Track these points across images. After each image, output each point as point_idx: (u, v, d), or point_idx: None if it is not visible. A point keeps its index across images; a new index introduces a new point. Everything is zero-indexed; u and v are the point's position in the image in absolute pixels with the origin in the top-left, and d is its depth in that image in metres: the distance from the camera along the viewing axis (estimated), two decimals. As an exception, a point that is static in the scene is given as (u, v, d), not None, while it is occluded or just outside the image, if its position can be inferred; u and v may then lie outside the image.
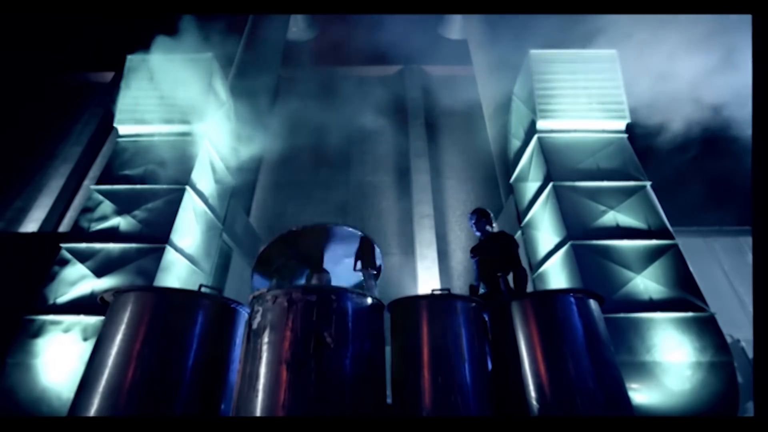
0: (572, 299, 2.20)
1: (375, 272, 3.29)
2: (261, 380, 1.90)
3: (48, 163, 11.20)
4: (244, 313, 2.43)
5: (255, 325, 2.12)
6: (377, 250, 3.15)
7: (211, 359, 2.23)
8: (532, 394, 2.06)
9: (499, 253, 3.20)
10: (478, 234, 3.41)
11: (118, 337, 2.05)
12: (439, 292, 2.30)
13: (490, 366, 2.29)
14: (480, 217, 3.42)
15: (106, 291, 2.25)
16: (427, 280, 8.62)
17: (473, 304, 2.32)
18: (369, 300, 2.24)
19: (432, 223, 9.60)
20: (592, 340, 2.10)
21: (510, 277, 3.08)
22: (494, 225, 3.51)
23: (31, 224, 9.80)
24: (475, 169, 10.71)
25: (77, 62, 12.91)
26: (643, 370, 4.14)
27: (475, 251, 3.36)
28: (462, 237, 9.69)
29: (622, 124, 5.72)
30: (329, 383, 1.86)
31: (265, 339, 2.01)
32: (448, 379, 2.02)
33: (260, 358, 1.97)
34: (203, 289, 2.39)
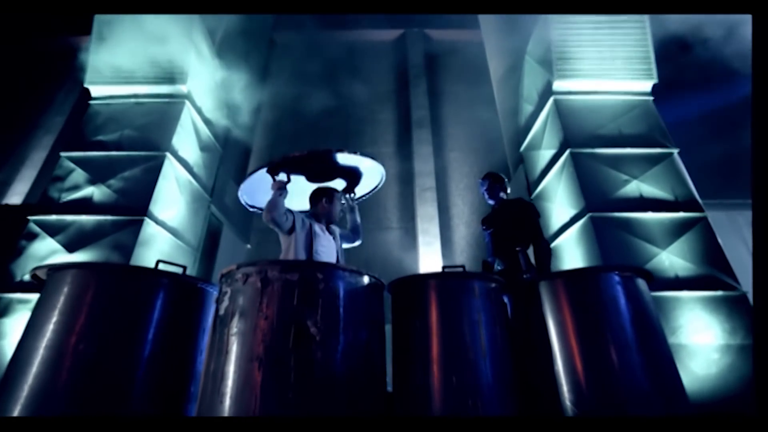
0: (617, 278, 1.78)
1: (358, 197, 2.87)
2: (228, 382, 1.49)
3: (30, 134, 10.63)
4: (215, 294, 2.00)
5: (222, 311, 1.69)
6: (363, 162, 2.56)
7: (172, 352, 1.83)
8: (567, 395, 1.67)
9: (516, 223, 2.74)
10: (491, 202, 2.94)
11: (50, 327, 1.63)
12: (451, 270, 1.87)
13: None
14: (493, 183, 2.94)
15: (38, 267, 1.81)
16: (428, 256, 8.25)
17: (493, 285, 1.89)
18: (366, 279, 1.80)
19: (434, 196, 9.15)
20: (645, 329, 1.69)
21: (530, 252, 2.66)
22: (509, 191, 3.05)
23: (15, 197, 9.35)
24: (479, 140, 10.14)
25: (57, 24, 12.08)
26: (669, 353, 3.78)
27: (488, 222, 2.90)
28: (465, 211, 9.25)
29: (648, 85, 5.17)
30: (313, 386, 1.45)
31: (234, 329, 1.58)
32: (464, 378, 1.61)
33: (227, 353, 1.55)
34: (162, 267, 1.95)
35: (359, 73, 11.16)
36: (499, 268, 2.73)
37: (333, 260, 2.43)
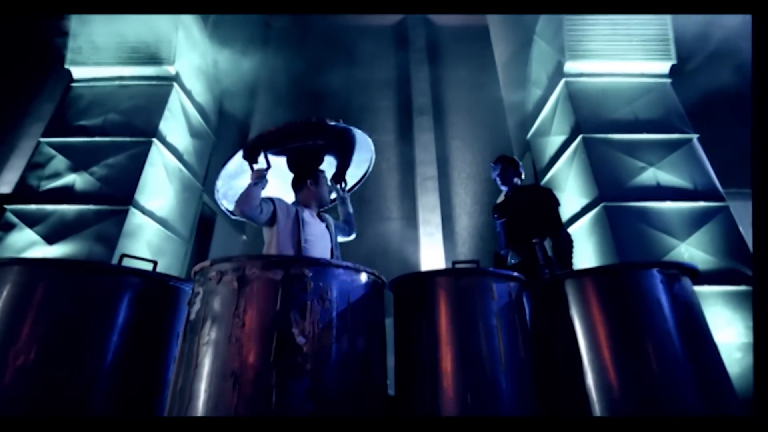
0: (661, 276, 1.52)
1: (348, 187, 2.54)
2: (197, 402, 1.23)
3: (19, 122, 10.31)
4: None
5: (193, 315, 1.43)
6: (358, 138, 2.24)
7: (139, 362, 1.57)
8: (599, 414, 1.41)
9: (533, 211, 2.47)
10: (504, 188, 2.66)
11: (-13, 334, 1.36)
12: (463, 266, 1.60)
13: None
14: (506, 167, 2.65)
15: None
16: (430, 247, 8.01)
17: (513, 283, 1.63)
18: (364, 276, 1.54)
19: (436, 185, 8.87)
20: (694, 337, 1.43)
21: (546, 244, 2.39)
22: (524, 176, 2.76)
23: (4, 187, 9.07)
24: (483, 128, 9.80)
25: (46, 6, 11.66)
26: (689, 353, 3.53)
27: (500, 210, 2.62)
28: (468, 201, 8.98)
29: (665, 66, 4.85)
30: (299, 408, 1.19)
31: (205, 337, 1.32)
32: (480, 395, 1.35)
33: (197, 366, 1.29)
34: (126, 262, 1.69)
35: (358, 58, 10.81)
36: (513, 261, 2.47)
37: (326, 251, 2.10)
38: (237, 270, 1.40)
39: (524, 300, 1.73)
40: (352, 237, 2.43)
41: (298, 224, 1.99)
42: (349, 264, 1.50)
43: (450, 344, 1.44)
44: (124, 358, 1.52)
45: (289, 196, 2.30)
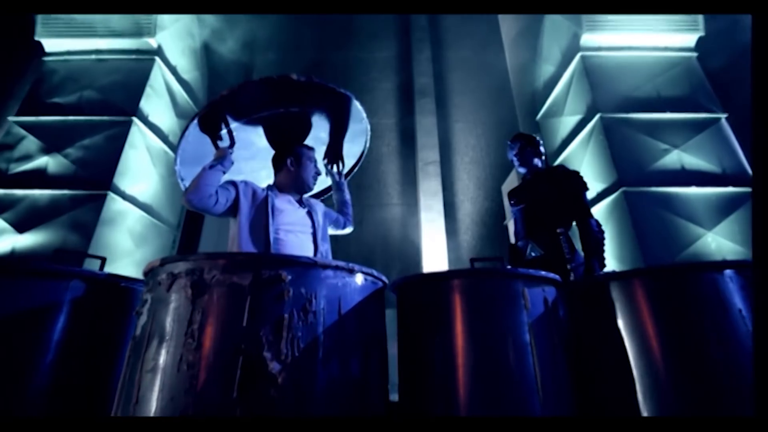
0: (736, 279, 1.19)
1: (347, 171, 2.17)
2: (135, 450, 0.91)
3: (3, 105, 9.88)
4: (146, 298, 1.41)
5: (138, 331, 1.10)
6: (355, 110, 1.83)
7: (81, 384, 1.25)
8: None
9: (557, 197, 2.13)
10: (522, 171, 2.31)
11: None
12: (485, 265, 1.27)
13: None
14: (525, 145, 2.30)
15: None
16: (431, 234, 7.70)
17: (549, 287, 1.30)
18: (359, 278, 1.21)
19: (438, 170, 8.52)
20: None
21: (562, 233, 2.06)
22: (544, 157, 2.42)
23: (-13, 171, 8.71)
24: (487, 111, 9.39)
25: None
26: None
27: (518, 195, 2.28)
28: (471, 187, 8.63)
29: (692, 39, 4.44)
30: (272, 464, 0.87)
31: (150, 362, 1.00)
32: (511, 435, 1.04)
33: (137, 402, 0.97)
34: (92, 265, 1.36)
35: (357, 37, 10.34)
36: (533, 255, 2.15)
37: (307, 247, 1.64)
38: (192, 273, 1.06)
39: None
40: (348, 230, 2.04)
41: (266, 213, 1.57)
42: (341, 263, 1.16)
43: (470, 366, 1.11)
44: (57, 379, 1.21)
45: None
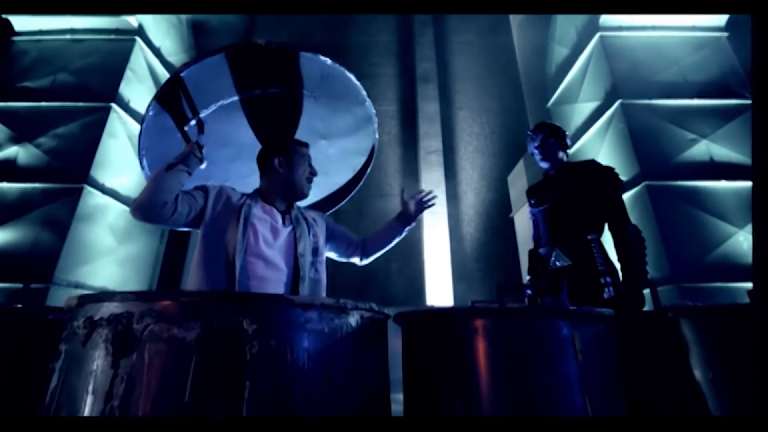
0: None
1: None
2: None
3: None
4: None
5: (47, 399, 0.79)
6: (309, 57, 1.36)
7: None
8: None
9: (587, 197, 1.81)
10: (544, 165, 1.96)
11: None
12: (517, 305, 0.96)
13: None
14: (549, 136, 1.94)
15: None
16: (433, 226, 7.43)
17: (603, 325, 0.98)
18: (354, 318, 0.89)
19: (440, 159, 8.24)
20: None
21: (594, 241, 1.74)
22: (570, 150, 2.08)
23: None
24: (492, 98, 9.03)
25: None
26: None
27: (539, 193, 1.94)
28: (474, 176, 8.33)
29: (722, 17, 4.06)
30: None
31: (49, 456, 0.69)
32: None
33: None
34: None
35: (356, 20, 9.93)
36: (558, 265, 1.83)
37: (285, 279, 1.19)
38: (117, 320, 0.74)
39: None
40: (360, 262, 1.51)
41: (236, 229, 1.16)
42: (328, 301, 0.84)
43: None
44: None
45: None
